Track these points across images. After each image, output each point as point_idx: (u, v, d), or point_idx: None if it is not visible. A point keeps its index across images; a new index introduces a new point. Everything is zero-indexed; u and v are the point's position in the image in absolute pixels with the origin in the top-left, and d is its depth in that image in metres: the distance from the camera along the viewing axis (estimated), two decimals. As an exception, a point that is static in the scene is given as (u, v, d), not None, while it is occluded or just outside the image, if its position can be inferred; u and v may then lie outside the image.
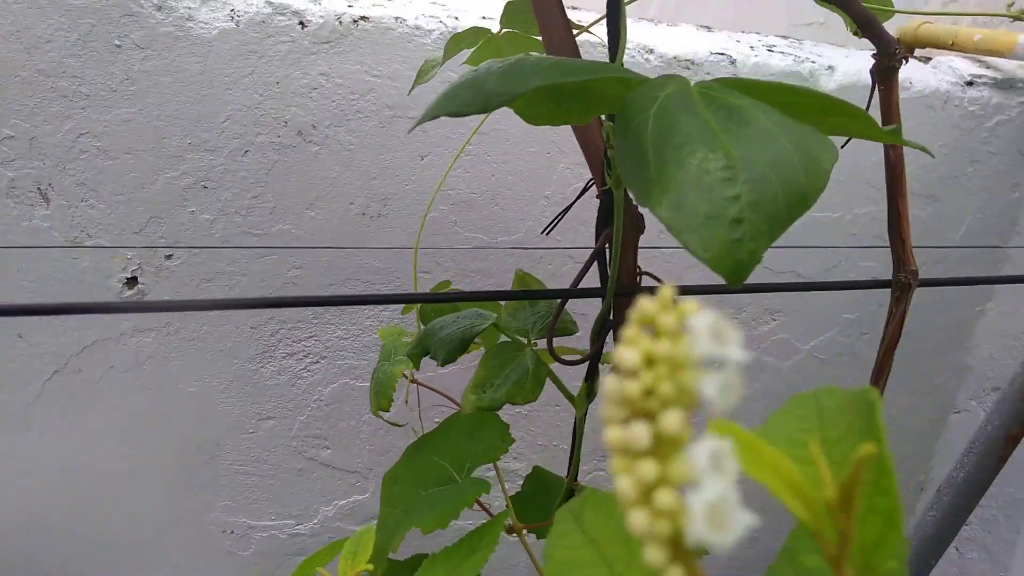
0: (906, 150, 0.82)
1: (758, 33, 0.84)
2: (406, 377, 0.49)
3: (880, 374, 0.41)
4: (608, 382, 0.13)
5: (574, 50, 0.35)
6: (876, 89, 0.38)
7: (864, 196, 0.81)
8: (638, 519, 0.12)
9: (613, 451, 0.13)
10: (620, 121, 0.26)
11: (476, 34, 0.39)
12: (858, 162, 0.80)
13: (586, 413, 0.40)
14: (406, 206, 0.74)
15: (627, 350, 0.13)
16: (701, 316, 0.13)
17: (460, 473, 0.45)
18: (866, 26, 0.35)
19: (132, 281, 0.72)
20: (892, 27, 1.04)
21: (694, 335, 0.13)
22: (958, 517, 0.68)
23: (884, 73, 0.38)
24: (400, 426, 0.55)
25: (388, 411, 0.46)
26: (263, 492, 0.84)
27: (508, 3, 0.39)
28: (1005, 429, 0.66)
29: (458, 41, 0.40)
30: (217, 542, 0.84)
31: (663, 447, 0.12)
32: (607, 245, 0.35)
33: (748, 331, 0.86)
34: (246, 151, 0.69)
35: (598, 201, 0.39)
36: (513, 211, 0.77)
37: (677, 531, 0.12)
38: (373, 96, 0.70)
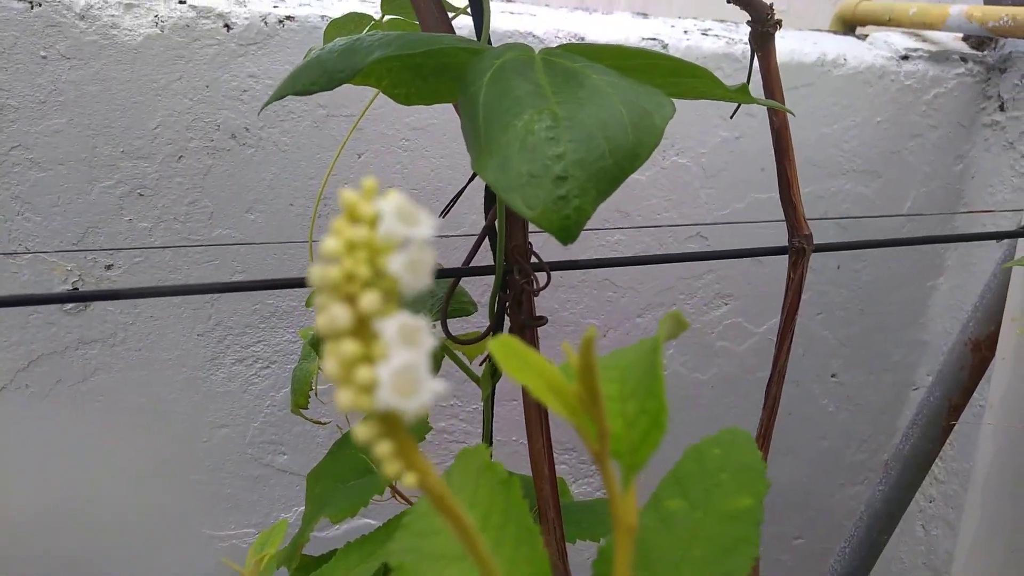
0: (846, 127, 0.83)
1: (695, 19, 0.84)
2: (323, 372, 0.48)
3: (783, 338, 0.41)
4: (313, 270, 0.13)
5: (448, 31, 0.35)
6: (755, 56, 0.39)
7: (804, 175, 0.81)
8: (343, 397, 0.13)
9: (324, 338, 0.13)
10: (461, 90, 0.26)
11: (356, 20, 0.39)
12: (796, 143, 0.80)
13: (493, 393, 0.40)
14: (346, 205, 0.74)
15: (330, 239, 0.13)
16: (389, 199, 0.14)
17: (377, 463, 0.45)
18: (738, -6, 0.35)
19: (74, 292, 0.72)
20: (833, 7, 1.04)
21: (383, 217, 0.13)
22: (907, 491, 0.69)
23: (760, 39, 0.38)
24: (324, 424, 0.55)
25: (306, 408, 0.46)
26: (222, 501, 0.83)
27: (387, -12, 0.39)
28: (947, 399, 0.66)
29: (337, 27, 0.40)
30: (178, 553, 0.84)
31: (364, 328, 0.13)
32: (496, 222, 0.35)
33: (701, 316, 0.86)
34: (180, 157, 0.69)
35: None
36: (456, 205, 0.77)
37: (378, 408, 0.13)
38: (305, 96, 0.70)
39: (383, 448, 0.14)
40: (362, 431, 0.13)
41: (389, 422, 0.14)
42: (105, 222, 0.70)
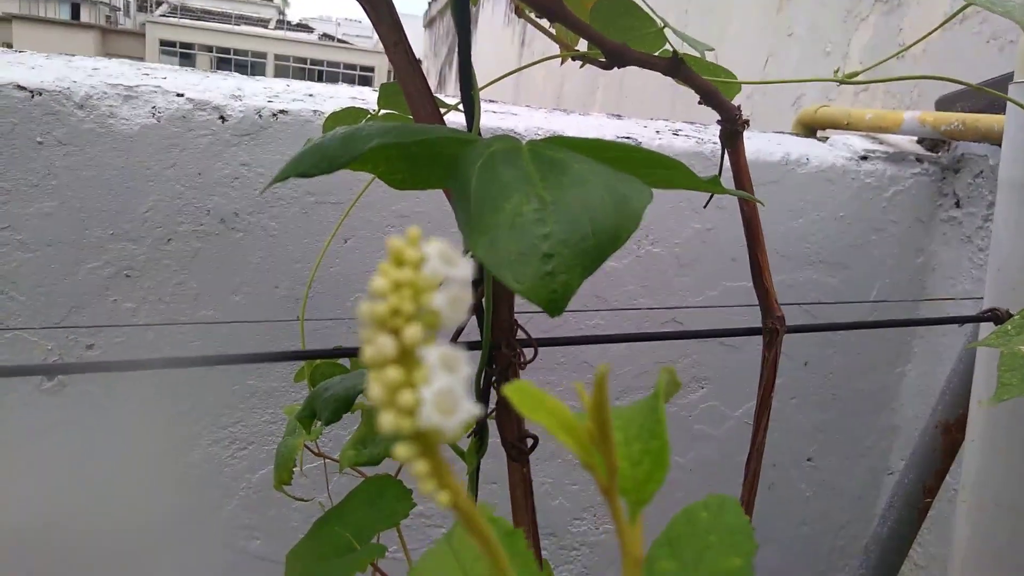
0: (811, 221, 0.87)
1: (666, 120, 0.89)
2: (309, 449, 0.49)
3: (761, 415, 0.43)
4: (361, 306, 0.15)
5: (440, 124, 0.37)
6: (725, 152, 0.42)
7: (773, 266, 0.84)
8: (386, 419, 0.14)
9: (369, 367, 0.15)
10: (453, 177, 0.28)
11: (354, 113, 0.42)
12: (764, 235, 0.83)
13: (478, 467, 0.40)
14: (331, 288, 0.76)
15: (379, 278, 0.15)
16: (434, 244, 0.16)
17: (360, 541, 0.45)
18: (708, 97, 0.39)
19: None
20: (794, 111, 1.11)
21: (427, 258, 0.15)
22: (887, 574, 0.69)
23: (730, 137, 0.41)
24: (305, 501, 0.54)
25: (289, 484, 0.46)
26: (190, 591, 0.81)
27: (383, 85, 0.42)
28: (921, 482, 0.67)
29: (336, 119, 0.43)
30: (140, 648, 0.80)
31: (407, 357, 0.15)
32: (483, 300, 0.37)
33: (678, 399, 0.87)
34: (169, 240, 0.71)
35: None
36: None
37: (419, 428, 0.14)
38: (295, 183, 0.72)
39: (420, 467, 0.15)
40: (401, 450, 0.15)
41: (426, 443, 0.15)
42: (89, 302, 0.71)
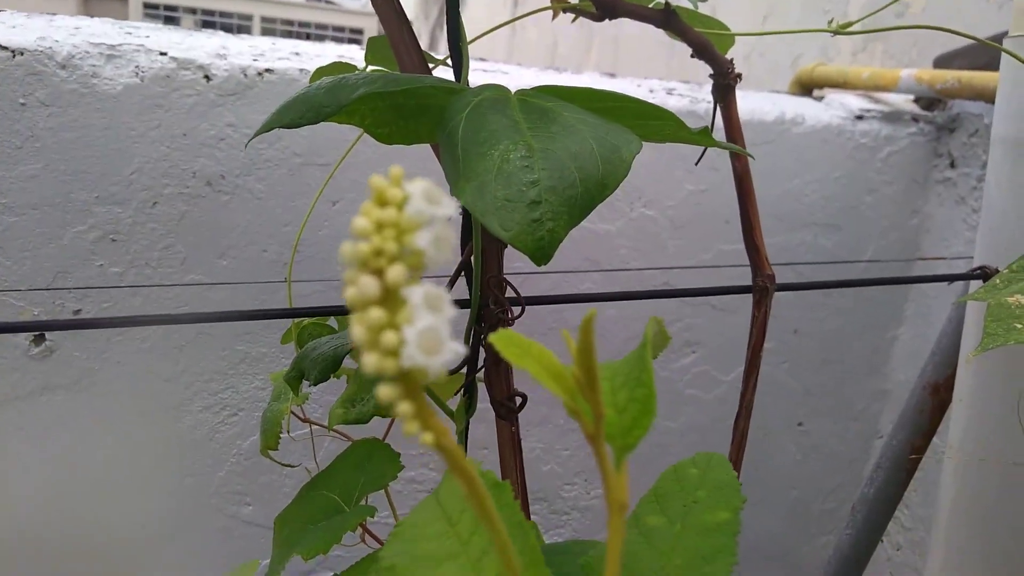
0: (805, 182, 0.86)
1: (660, 79, 0.88)
2: (296, 415, 0.48)
3: (749, 374, 0.43)
4: (344, 247, 0.14)
5: (427, 75, 0.36)
6: (717, 107, 0.41)
7: (767, 228, 0.84)
8: (369, 360, 0.14)
9: (352, 308, 0.14)
10: (440, 126, 0.28)
11: (341, 68, 0.41)
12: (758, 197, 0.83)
13: (467, 427, 0.40)
14: (320, 252, 0.75)
15: (360, 218, 0.14)
16: (416, 182, 0.15)
17: (349, 503, 0.45)
18: (701, 50, 0.38)
19: (40, 337, 0.71)
20: (792, 71, 1.09)
21: (411, 198, 0.15)
22: (873, 534, 0.69)
23: (722, 91, 0.40)
24: (293, 467, 0.54)
25: (276, 450, 0.45)
26: (184, 555, 0.81)
27: (370, 39, 0.41)
28: (909, 443, 0.68)
29: (322, 73, 0.42)
30: (136, 610, 0.81)
31: (391, 298, 0.14)
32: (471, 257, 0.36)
33: (669, 364, 0.87)
34: (155, 203, 0.70)
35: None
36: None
37: (402, 368, 0.14)
38: (281, 145, 0.71)
39: (404, 408, 0.14)
40: (384, 391, 0.14)
41: (410, 384, 0.14)
42: (76, 267, 0.70)
